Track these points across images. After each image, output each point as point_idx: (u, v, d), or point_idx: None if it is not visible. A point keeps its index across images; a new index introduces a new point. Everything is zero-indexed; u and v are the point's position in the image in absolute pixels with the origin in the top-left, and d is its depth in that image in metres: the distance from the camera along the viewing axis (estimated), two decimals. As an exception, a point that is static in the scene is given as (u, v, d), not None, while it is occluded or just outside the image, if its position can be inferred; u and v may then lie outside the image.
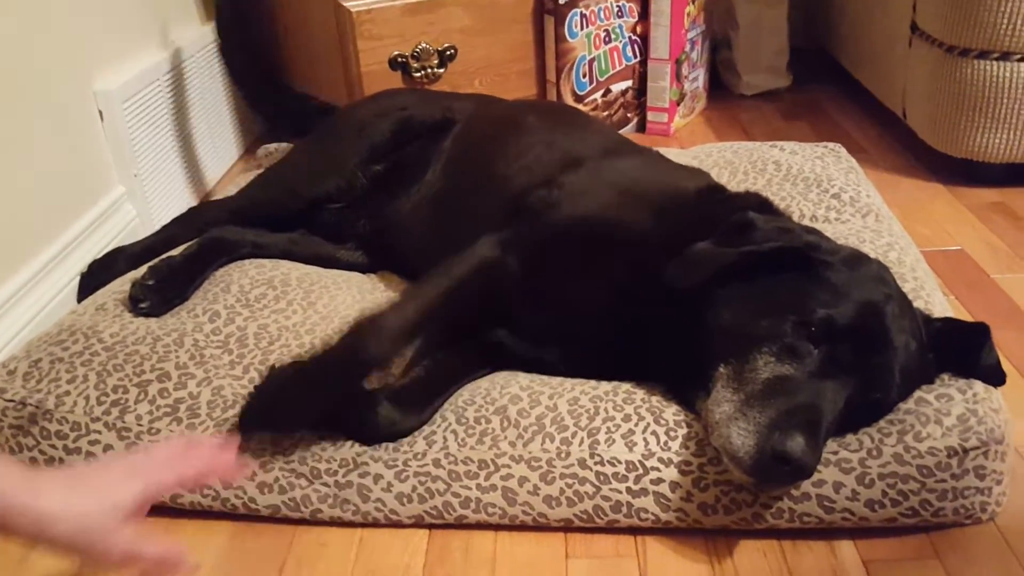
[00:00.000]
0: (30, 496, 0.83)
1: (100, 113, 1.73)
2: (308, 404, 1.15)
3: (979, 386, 1.17)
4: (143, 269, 1.49)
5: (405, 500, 1.17)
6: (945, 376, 1.19)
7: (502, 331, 1.30)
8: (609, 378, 1.27)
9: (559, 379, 1.28)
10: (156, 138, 1.92)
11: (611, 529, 1.17)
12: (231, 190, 1.87)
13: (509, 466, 1.17)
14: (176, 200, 1.99)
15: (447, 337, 1.28)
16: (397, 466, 1.18)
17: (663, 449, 1.15)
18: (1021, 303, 1.64)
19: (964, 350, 1.19)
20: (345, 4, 2.11)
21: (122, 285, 1.49)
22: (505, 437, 1.18)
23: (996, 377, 1.19)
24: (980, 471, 1.12)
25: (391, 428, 1.19)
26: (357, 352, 1.14)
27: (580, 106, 2.40)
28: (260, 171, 1.86)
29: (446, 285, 1.24)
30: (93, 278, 1.58)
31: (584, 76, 2.43)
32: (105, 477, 0.92)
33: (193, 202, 2.07)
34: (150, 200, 1.87)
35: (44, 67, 1.58)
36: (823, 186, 1.76)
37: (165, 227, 1.71)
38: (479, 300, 1.27)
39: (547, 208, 1.33)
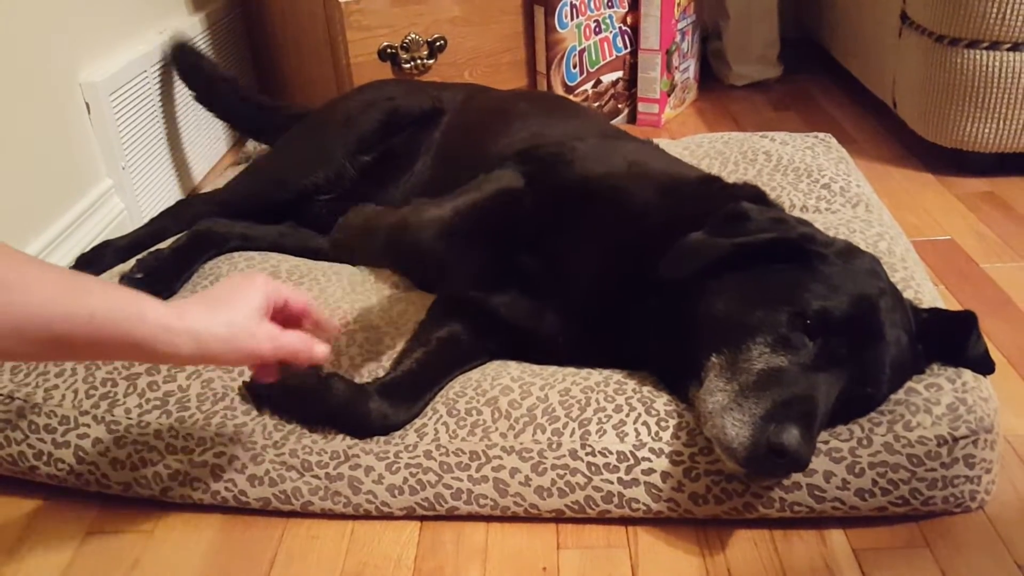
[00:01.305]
0: (179, 319, 0.95)
1: (87, 105, 1.72)
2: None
3: (968, 375, 1.18)
4: (131, 262, 1.49)
5: (396, 492, 1.17)
6: (934, 366, 1.19)
7: (499, 297, 1.30)
8: (601, 366, 1.27)
9: (551, 370, 1.28)
10: (144, 130, 1.90)
11: (602, 520, 1.17)
12: (220, 183, 1.86)
13: (500, 457, 1.16)
14: (164, 193, 1.98)
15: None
16: (388, 458, 1.17)
17: (654, 439, 1.15)
18: (1010, 292, 1.65)
19: (952, 339, 1.19)
20: (334, -5, 2.10)
21: (110, 279, 1.48)
22: (496, 428, 1.18)
23: (985, 366, 1.19)
24: (970, 460, 1.12)
25: (383, 422, 1.19)
26: (402, 249, 1.21)
27: (571, 97, 2.40)
28: (249, 164, 1.85)
29: (476, 197, 1.26)
30: (81, 272, 1.56)
31: (574, 67, 2.42)
32: (229, 290, 1.04)
33: (182, 195, 2.06)
34: (138, 193, 1.86)
35: (30, 59, 1.57)
36: (813, 176, 1.76)
37: (153, 220, 1.70)
38: (498, 220, 1.28)
39: (560, 163, 1.33)
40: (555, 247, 1.27)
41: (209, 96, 2.01)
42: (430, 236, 1.19)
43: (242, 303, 1.01)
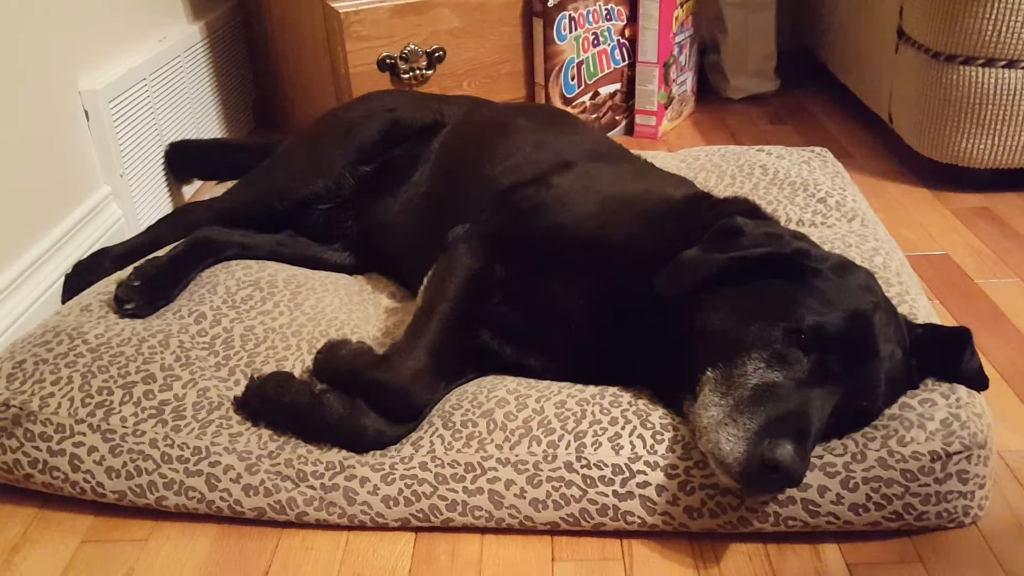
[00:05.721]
0: None
1: (86, 113, 1.72)
2: None
3: (962, 391, 1.18)
4: (128, 270, 1.48)
5: (391, 503, 1.17)
6: (928, 381, 1.20)
7: (486, 333, 1.30)
8: (594, 382, 1.27)
9: (546, 382, 1.28)
10: (143, 138, 1.91)
11: (597, 532, 1.17)
12: (218, 191, 1.87)
13: (496, 469, 1.17)
14: (162, 201, 1.98)
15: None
16: (383, 469, 1.17)
17: (649, 452, 1.16)
18: (1004, 308, 1.66)
19: (946, 355, 1.19)
20: (333, 5, 2.11)
21: (107, 286, 1.48)
22: (492, 440, 1.18)
23: (978, 382, 1.19)
24: (963, 475, 1.13)
25: (378, 437, 1.19)
26: (395, 410, 1.20)
27: (568, 109, 2.41)
28: (248, 172, 1.85)
29: (445, 311, 1.25)
30: (78, 279, 1.57)
31: (572, 79, 2.43)
32: None
33: (179, 203, 2.06)
34: (136, 200, 1.86)
35: (29, 66, 1.57)
36: (809, 190, 1.77)
37: (151, 228, 1.70)
38: (476, 313, 1.28)
39: (535, 208, 1.33)
40: (536, 300, 1.27)
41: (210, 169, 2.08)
42: (418, 393, 1.20)
43: None
